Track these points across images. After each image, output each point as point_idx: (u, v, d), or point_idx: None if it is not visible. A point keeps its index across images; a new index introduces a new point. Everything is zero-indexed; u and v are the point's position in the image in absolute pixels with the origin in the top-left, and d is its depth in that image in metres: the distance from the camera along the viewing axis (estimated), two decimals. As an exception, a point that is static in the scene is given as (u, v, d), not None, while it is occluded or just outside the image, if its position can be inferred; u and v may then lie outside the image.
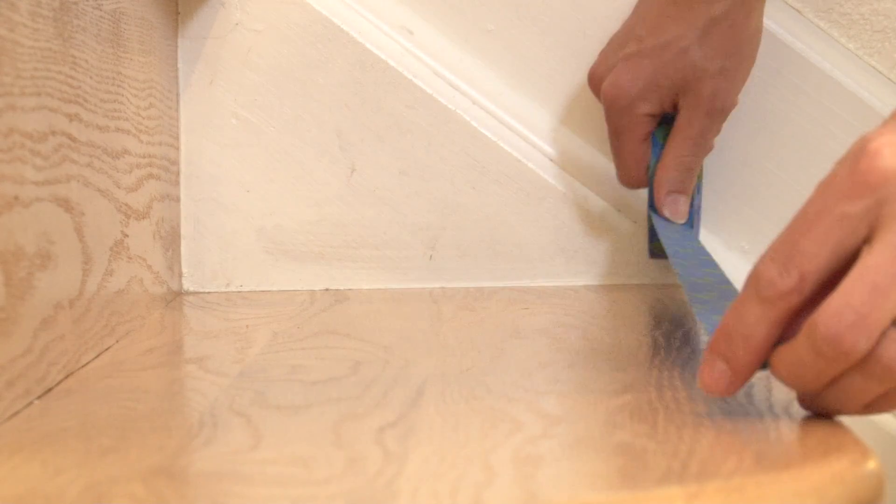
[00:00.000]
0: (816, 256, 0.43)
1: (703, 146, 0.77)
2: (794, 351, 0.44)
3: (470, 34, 0.84)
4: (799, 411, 0.47)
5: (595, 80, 0.79)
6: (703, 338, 0.51)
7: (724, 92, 0.75)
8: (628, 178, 0.79)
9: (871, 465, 0.41)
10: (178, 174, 0.81)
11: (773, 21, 0.82)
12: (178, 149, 0.81)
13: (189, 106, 0.82)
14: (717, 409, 0.48)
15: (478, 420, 0.48)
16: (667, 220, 0.78)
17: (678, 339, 0.64)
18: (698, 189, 0.81)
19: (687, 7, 0.75)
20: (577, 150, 0.84)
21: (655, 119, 0.77)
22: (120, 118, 0.67)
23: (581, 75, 0.84)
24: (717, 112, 0.76)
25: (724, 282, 0.61)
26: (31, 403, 0.51)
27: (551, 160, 0.84)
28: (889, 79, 0.83)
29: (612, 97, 0.76)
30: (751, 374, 0.45)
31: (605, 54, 0.79)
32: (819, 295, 0.44)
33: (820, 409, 0.46)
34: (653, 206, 0.78)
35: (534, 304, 0.77)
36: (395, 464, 0.42)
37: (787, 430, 0.44)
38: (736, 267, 0.84)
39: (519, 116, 0.84)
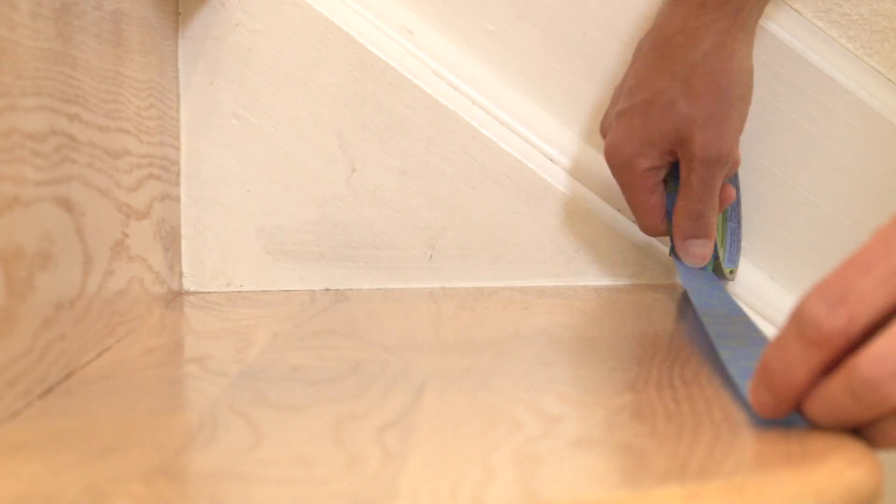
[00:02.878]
0: (872, 300, 0.41)
1: (708, 193, 0.75)
2: (830, 390, 0.42)
3: (470, 34, 0.84)
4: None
5: (603, 133, 0.79)
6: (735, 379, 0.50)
7: (714, 140, 0.73)
8: (647, 228, 0.79)
9: (871, 465, 0.41)
10: (178, 174, 0.81)
11: (773, 21, 0.82)
12: (178, 149, 0.81)
13: (189, 106, 0.82)
14: (717, 409, 0.48)
15: (478, 420, 0.48)
16: (689, 266, 0.78)
17: (678, 338, 0.64)
18: (734, 212, 0.81)
19: (668, 56, 0.74)
20: (577, 150, 0.84)
21: (659, 170, 0.76)
22: (120, 118, 0.67)
23: (581, 75, 0.84)
24: (714, 160, 0.73)
25: (753, 329, 0.60)
26: (31, 403, 0.51)
27: (551, 160, 0.84)
28: (889, 79, 0.83)
29: (610, 157, 0.76)
30: (796, 402, 0.44)
31: (609, 106, 0.79)
32: (864, 340, 0.41)
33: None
34: (674, 253, 0.78)
35: (534, 304, 0.77)
36: (395, 464, 0.42)
37: (786, 431, 0.44)
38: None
39: (519, 116, 0.84)
